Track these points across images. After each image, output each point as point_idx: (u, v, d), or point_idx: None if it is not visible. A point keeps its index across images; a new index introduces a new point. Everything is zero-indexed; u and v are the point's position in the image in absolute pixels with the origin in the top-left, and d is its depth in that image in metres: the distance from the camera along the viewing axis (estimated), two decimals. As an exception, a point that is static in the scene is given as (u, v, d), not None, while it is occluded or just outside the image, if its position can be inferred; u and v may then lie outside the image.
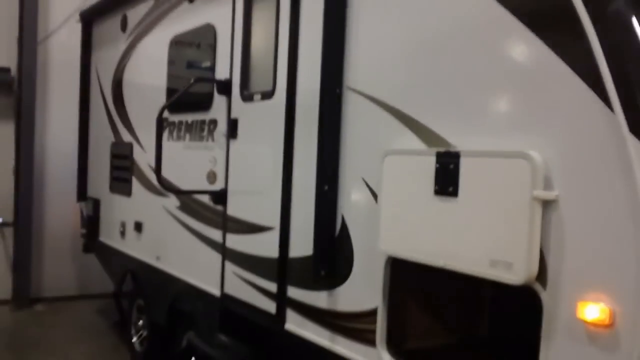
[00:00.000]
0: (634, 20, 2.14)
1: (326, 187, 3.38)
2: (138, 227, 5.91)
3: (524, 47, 2.43)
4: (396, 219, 2.92)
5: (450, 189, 2.62)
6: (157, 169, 4.43)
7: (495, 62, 2.56)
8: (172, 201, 5.20)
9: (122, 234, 6.25)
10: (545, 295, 2.33)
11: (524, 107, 2.45)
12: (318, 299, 3.51)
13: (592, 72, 2.16)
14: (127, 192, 6.15)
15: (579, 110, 2.23)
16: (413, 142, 2.89)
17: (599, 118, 2.15)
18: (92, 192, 7.22)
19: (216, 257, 4.51)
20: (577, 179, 2.25)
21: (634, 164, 2.05)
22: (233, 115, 4.33)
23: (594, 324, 2.16)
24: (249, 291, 4.10)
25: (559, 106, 2.31)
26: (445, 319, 3.25)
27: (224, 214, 4.43)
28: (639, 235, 2.05)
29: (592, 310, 2.17)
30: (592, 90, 2.17)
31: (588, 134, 2.20)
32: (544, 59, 2.34)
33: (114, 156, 6.56)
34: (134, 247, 6.00)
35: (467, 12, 2.68)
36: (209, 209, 4.60)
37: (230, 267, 4.36)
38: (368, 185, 3.16)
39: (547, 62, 2.32)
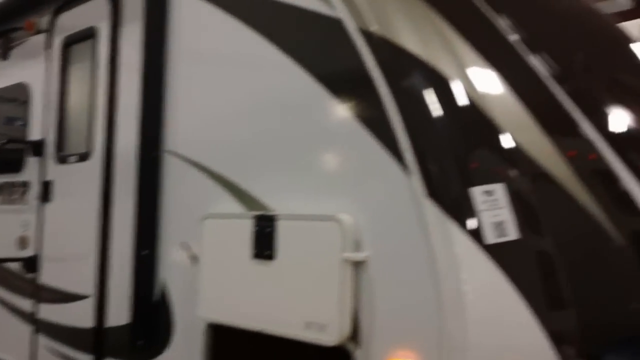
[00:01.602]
0: (427, 93, 2.33)
1: (145, 252, 3.28)
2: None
3: (333, 115, 2.55)
4: (215, 284, 2.89)
5: (267, 252, 2.65)
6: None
7: (307, 129, 2.66)
8: (-23, 269, 4.80)
9: None
10: (358, 354, 2.39)
11: (335, 173, 2.56)
12: (136, 369, 3.36)
13: (392, 140, 2.30)
14: None
15: (383, 176, 2.35)
16: (232, 205, 2.91)
17: (400, 183, 2.29)
18: None
19: (26, 330, 4.19)
20: (384, 240, 2.36)
21: (431, 226, 2.19)
22: (47, 177, 4.14)
23: (404, 380, 2.25)
24: (63, 365, 3.85)
25: (365, 172, 2.43)
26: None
27: (35, 282, 4.15)
28: (439, 294, 2.17)
29: (401, 367, 2.26)
30: (393, 157, 2.31)
31: (392, 198, 2.33)
32: (351, 127, 2.46)
33: None
34: None
35: (280, 80, 2.78)
36: (19, 277, 4.30)
37: (42, 340, 4.07)
38: (188, 250, 3.11)
39: (354, 131, 2.45)
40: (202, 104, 3.16)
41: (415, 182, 2.23)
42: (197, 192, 3.10)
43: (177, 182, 3.24)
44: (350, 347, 2.41)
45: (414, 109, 2.30)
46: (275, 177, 2.76)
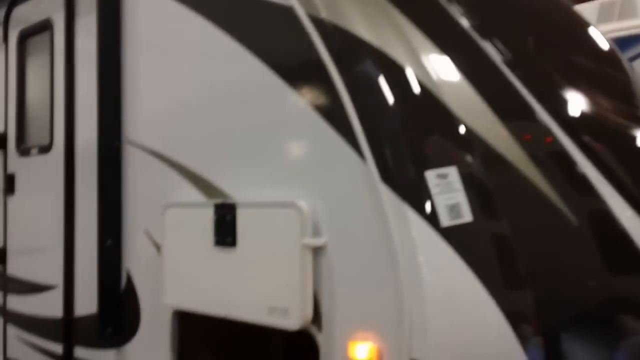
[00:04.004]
0: (380, 79, 2.35)
1: (109, 242, 3.29)
2: None
3: (289, 104, 2.55)
4: (179, 272, 2.91)
5: (229, 239, 2.67)
6: None
7: (263, 118, 2.67)
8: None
9: None
10: (321, 338, 2.43)
11: (292, 160, 2.58)
12: (106, 358, 3.37)
13: (347, 127, 2.32)
14: None
15: (339, 162, 2.38)
16: (193, 194, 2.92)
17: (356, 169, 2.31)
18: None
19: (-5, 321, 4.20)
20: (341, 225, 2.39)
21: (387, 210, 2.22)
22: (9, 170, 4.12)
23: (364, 362, 2.28)
24: (34, 355, 3.86)
25: (322, 158, 2.45)
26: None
27: (3, 274, 4.14)
28: (397, 277, 2.21)
29: (362, 350, 2.29)
30: (349, 144, 2.33)
31: (348, 184, 2.36)
32: (307, 115, 2.47)
33: None
34: None
35: (235, 70, 2.78)
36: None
37: (12, 330, 4.08)
38: (152, 239, 3.13)
39: (310, 118, 2.46)
40: (160, 94, 3.15)
41: (371, 168, 2.26)
42: (158, 181, 3.11)
43: (138, 172, 3.24)
44: (313, 331, 2.44)
45: (367, 96, 2.32)
46: (234, 165, 2.77)
